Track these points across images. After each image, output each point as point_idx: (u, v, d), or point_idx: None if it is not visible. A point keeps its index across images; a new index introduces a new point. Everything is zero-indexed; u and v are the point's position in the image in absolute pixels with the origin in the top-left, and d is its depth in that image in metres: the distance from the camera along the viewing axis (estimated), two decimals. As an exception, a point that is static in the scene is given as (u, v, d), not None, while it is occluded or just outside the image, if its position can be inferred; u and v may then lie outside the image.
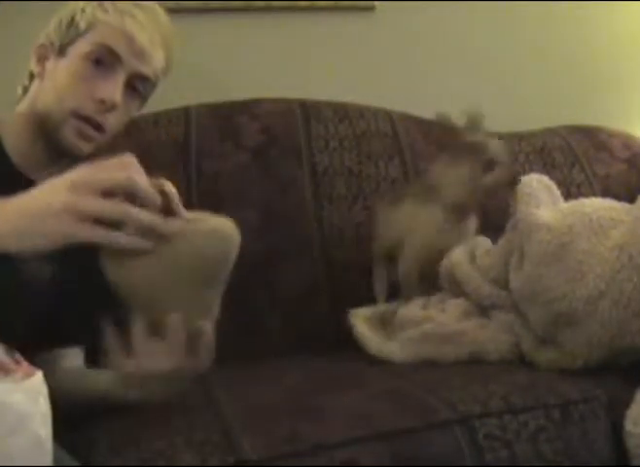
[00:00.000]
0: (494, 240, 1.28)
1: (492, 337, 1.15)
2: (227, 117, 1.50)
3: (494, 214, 1.33)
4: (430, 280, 1.29)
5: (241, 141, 1.48)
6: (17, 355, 0.66)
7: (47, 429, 0.63)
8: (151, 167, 1.39)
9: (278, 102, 1.55)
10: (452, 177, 1.30)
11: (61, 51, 1.06)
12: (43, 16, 1.11)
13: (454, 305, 1.23)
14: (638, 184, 1.55)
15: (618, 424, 0.94)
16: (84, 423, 0.91)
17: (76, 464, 0.74)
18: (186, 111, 1.50)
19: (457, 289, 1.25)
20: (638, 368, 1.02)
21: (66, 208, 0.77)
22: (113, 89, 1.04)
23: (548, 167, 1.60)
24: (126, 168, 0.80)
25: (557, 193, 1.25)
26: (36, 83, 1.09)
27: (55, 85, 1.05)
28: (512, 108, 1.74)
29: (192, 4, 1.60)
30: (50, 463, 0.63)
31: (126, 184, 0.79)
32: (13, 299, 0.81)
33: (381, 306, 1.33)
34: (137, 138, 1.41)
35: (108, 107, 1.04)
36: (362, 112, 1.57)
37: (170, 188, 0.84)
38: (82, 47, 1.05)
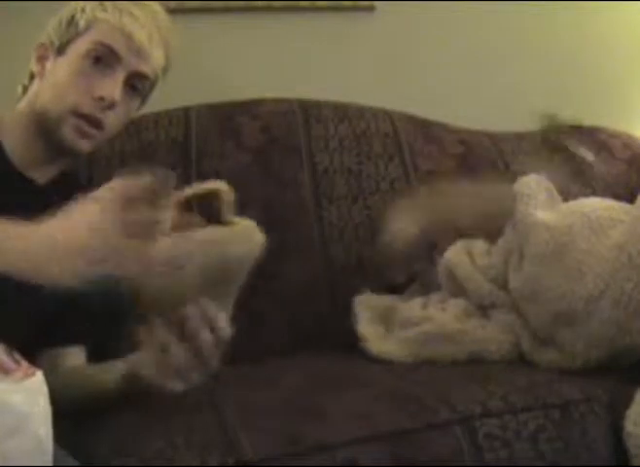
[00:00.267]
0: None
1: (492, 337, 1.15)
2: (227, 117, 1.50)
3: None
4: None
5: (241, 141, 1.48)
6: (18, 355, 0.66)
7: (47, 429, 0.63)
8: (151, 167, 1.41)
9: (278, 102, 1.55)
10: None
11: (61, 50, 1.07)
12: (43, 16, 1.11)
13: (454, 305, 1.23)
14: (638, 184, 1.55)
15: (618, 424, 0.94)
16: (84, 423, 0.91)
17: (76, 464, 0.74)
18: (186, 111, 1.50)
19: (457, 288, 1.25)
20: (638, 368, 1.02)
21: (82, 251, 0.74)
22: (112, 86, 1.04)
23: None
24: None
25: (556, 194, 1.25)
26: (36, 82, 1.09)
27: (55, 83, 1.05)
28: (512, 108, 1.74)
29: (192, 4, 1.60)
30: (50, 463, 0.63)
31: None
32: (13, 298, 0.81)
33: (386, 299, 1.32)
34: (137, 138, 1.41)
35: (107, 104, 1.04)
36: (362, 112, 1.57)
37: (227, 195, 0.84)
38: (81, 45, 1.05)
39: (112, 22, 1.05)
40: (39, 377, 0.64)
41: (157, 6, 1.11)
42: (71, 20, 1.06)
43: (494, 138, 1.64)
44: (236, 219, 0.84)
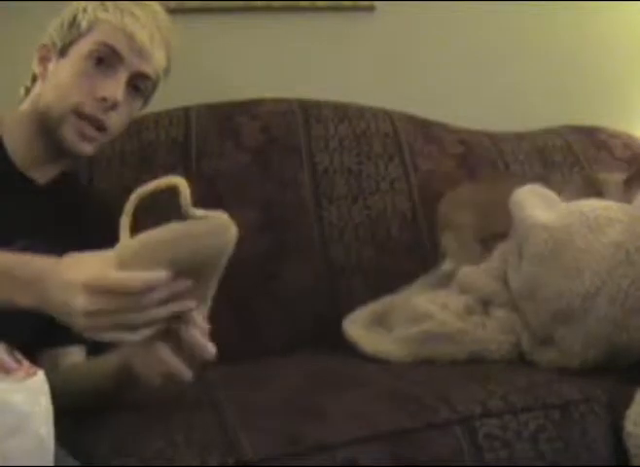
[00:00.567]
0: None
1: (492, 336, 1.15)
2: (227, 117, 1.50)
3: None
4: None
5: (241, 141, 1.48)
6: (19, 354, 0.66)
7: (48, 429, 0.63)
8: (151, 167, 1.41)
9: (278, 102, 1.55)
10: None
11: (63, 51, 1.06)
12: (43, 16, 1.11)
13: (457, 302, 1.23)
14: (638, 184, 1.55)
15: (618, 424, 0.94)
16: (84, 423, 0.91)
17: (77, 464, 0.74)
18: (186, 111, 1.50)
19: (461, 286, 1.25)
20: (637, 368, 1.02)
21: (85, 313, 0.77)
22: (115, 87, 1.04)
23: (548, 167, 1.60)
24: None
25: (555, 198, 1.25)
26: (38, 83, 1.09)
27: (57, 84, 1.05)
28: (512, 108, 1.74)
29: (192, 4, 1.60)
30: (51, 463, 0.63)
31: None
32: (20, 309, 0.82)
33: (377, 305, 1.32)
34: (137, 138, 1.41)
35: (110, 105, 1.04)
36: (362, 112, 1.57)
37: (184, 188, 0.84)
38: (83, 46, 1.05)
39: (114, 23, 1.05)
40: (40, 376, 0.64)
41: (157, 6, 1.11)
42: (73, 21, 1.06)
43: (494, 138, 1.64)
44: (206, 212, 0.84)
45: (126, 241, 0.82)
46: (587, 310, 1.04)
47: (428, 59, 1.74)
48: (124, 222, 0.83)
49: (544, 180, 1.32)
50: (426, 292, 1.28)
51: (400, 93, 1.67)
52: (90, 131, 1.05)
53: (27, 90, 1.10)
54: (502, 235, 1.27)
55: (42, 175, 1.08)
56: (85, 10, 1.06)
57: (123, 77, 1.05)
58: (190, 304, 0.83)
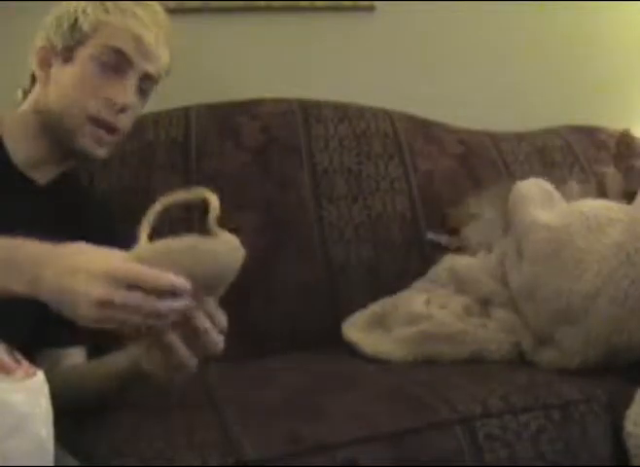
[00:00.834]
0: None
1: (492, 336, 1.15)
2: (227, 117, 1.50)
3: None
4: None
5: (241, 141, 1.47)
6: (19, 354, 0.66)
7: (48, 429, 0.63)
8: (151, 167, 1.41)
9: (278, 102, 1.55)
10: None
11: (66, 55, 1.05)
12: (43, 16, 1.10)
13: (456, 302, 1.23)
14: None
15: (618, 424, 0.94)
16: (84, 423, 0.91)
17: (77, 464, 0.74)
18: (186, 111, 1.49)
19: (460, 286, 1.25)
20: (638, 368, 1.02)
21: (100, 302, 0.75)
22: (125, 90, 1.04)
23: (548, 167, 1.60)
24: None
25: (557, 196, 1.25)
26: (39, 87, 1.07)
27: (64, 90, 1.04)
28: (512, 108, 1.74)
29: (192, 4, 1.60)
30: (51, 463, 0.63)
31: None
32: (14, 297, 0.81)
33: (377, 306, 1.32)
34: (137, 138, 1.41)
35: (121, 108, 1.04)
36: (362, 112, 1.57)
37: (214, 203, 0.84)
38: (89, 50, 1.04)
39: (118, 25, 1.04)
40: (40, 376, 0.64)
41: (157, 6, 1.11)
42: (74, 24, 1.04)
43: (494, 138, 1.64)
44: (221, 231, 0.85)
45: (145, 245, 0.81)
46: (588, 311, 1.04)
47: (428, 59, 1.74)
48: (144, 226, 0.83)
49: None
50: (425, 293, 1.28)
51: (400, 93, 1.67)
52: (105, 135, 1.05)
53: (25, 93, 1.10)
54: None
55: (42, 175, 1.08)
56: (84, 11, 1.05)
57: (133, 80, 1.05)
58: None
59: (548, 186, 1.26)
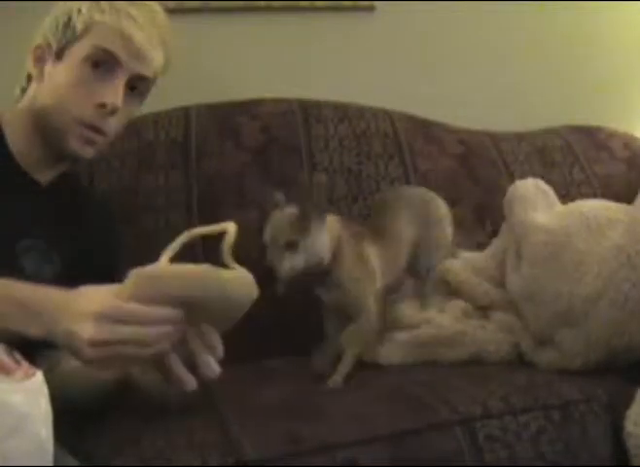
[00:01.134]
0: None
1: (491, 337, 1.15)
2: (227, 117, 1.50)
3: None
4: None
5: (241, 141, 1.47)
6: (18, 355, 0.66)
7: (47, 429, 0.63)
8: (151, 167, 1.41)
9: (278, 102, 1.55)
10: None
11: (59, 53, 1.05)
12: (43, 16, 1.10)
13: (453, 306, 1.23)
14: (638, 184, 1.55)
15: (618, 424, 0.94)
16: (84, 423, 0.91)
17: (77, 464, 0.74)
18: (186, 111, 1.49)
19: (452, 292, 1.25)
20: (638, 368, 1.02)
21: (92, 342, 0.79)
22: (114, 92, 1.03)
23: (548, 167, 1.60)
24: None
25: (554, 196, 1.25)
26: (34, 85, 1.07)
27: (55, 89, 1.04)
28: (512, 108, 1.74)
29: (192, 4, 1.60)
30: (50, 463, 0.63)
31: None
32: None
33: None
34: (137, 138, 1.41)
35: (109, 111, 1.03)
36: (362, 112, 1.57)
37: (231, 237, 0.86)
38: (80, 50, 1.03)
39: (110, 25, 1.03)
40: (39, 377, 0.64)
41: (155, 5, 1.10)
42: (68, 23, 1.04)
43: (494, 138, 1.64)
44: (236, 265, 0.87)
45: (164, 264, 0.86)
46: (588, 314, 1.04)
47: (428, 59, 1.73)
48: (167, 254, 0.87)
49: (544, 180, 1.32)
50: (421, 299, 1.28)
51: (400, 93, 1.67)
52: (93, 137, 1.04)
53: (23, 90, 1.10)
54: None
55: (43, 175, 1.08)
56: (80, 11, 1.04)
57: (121, 81, 1.04)
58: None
59: (544, 186, 1.26)
